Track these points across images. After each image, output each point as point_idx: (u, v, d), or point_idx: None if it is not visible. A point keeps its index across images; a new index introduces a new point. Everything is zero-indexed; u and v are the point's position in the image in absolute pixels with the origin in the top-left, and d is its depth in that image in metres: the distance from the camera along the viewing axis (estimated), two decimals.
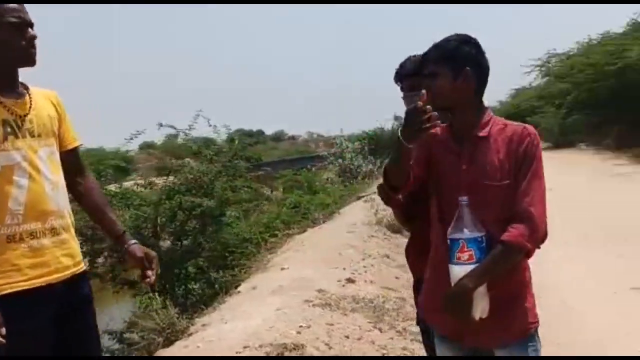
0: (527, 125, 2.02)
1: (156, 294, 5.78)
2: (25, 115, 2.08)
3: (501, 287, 1.92)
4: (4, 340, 1.82)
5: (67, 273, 2.13)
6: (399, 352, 4.02)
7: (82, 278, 2.27)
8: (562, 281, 5.73)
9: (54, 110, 2.23)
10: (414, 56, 2.60)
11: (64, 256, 2.14)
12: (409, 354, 4.02)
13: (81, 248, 7.00)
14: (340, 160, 22.28)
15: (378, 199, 9.04)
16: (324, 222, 9.10)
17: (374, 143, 26.74)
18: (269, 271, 5.94)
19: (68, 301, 2.13)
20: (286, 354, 3.51)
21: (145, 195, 7.60)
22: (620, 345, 4.07)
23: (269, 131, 76.43)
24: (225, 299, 5.58)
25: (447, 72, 1.95)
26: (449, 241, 1.90)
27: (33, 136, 2.09)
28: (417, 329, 4.56)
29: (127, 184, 8.99)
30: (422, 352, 4.13)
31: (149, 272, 2.34)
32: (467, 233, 1.86)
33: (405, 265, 6.51)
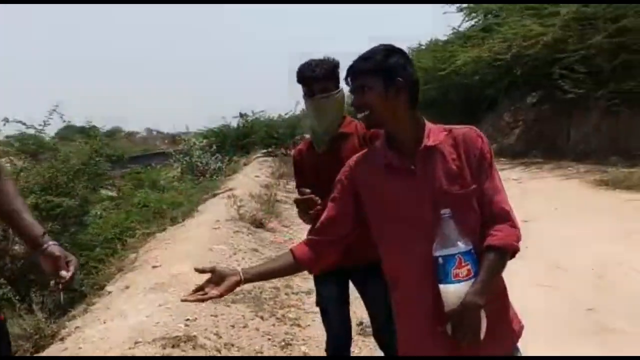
0: (469, 127, 1.97)
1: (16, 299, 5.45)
2: None
3: (490, 298, 1.79)
4: None
5: None
6: (282, 337, 4.29)
7: None
8: None
9: None
10: (315, 60, 2.84)
11: None
12: (291, 338, 4.30)
13: None
14: (187, 158, 21.96)
15: (240, 194, 9.18)
16: (183, 220, 9.06)
17: (220, 140, 26.76)
18: (139, 270, 5.86)
19: None
20: (181, 345, 3.60)
21: None
22: None
23: (103, 127, 72.38)
24: (94, 301, 5.43)
25: (379, 85, 1.85)
26: (440, 259, 1.74)
27: None
28: (294, 314, 4.89)
29: None
30: (302, 335, 4.46)
31: (63, 272, 2.14)
32: (461, 246, 1.73)
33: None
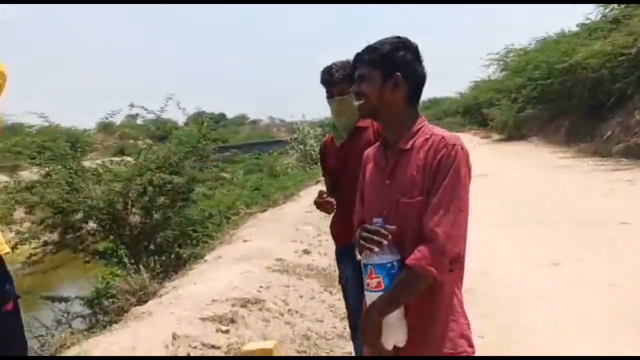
0: (447, 134, 1.82)
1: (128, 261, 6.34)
2: None
3: (413, 313, 1.77)
4: None
5: None
6: (344, 310, 4.66)
7: None
8: (492, 257, 6.50)
9: None
10: (336, 64, 3.03)
11: None
12: None
13: (52, 220, 7.43)
14: (301, 146, 22.74)
15: None
16: (284, 202, 9.69)
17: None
18: (233, 243, 6.51)
19: None
20: (248, 306, 4.11)
21: (118, 171, 8.06)
22: (534, 303, 4.84)
23: (230, 114, 76.71)
24: (192, 267, 6.14)
25: (377, 76, 1.84)
26: (362, 266, 1.78)
27: None
28: None
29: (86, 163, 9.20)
30: None
31: None
32: (375, 259, 1.72)
33: None
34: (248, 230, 7.22)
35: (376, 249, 1.71)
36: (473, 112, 38.36)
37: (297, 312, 4.37)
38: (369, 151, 2.05)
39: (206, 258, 6.21)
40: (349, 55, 2.56)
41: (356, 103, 1.92)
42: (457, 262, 1.76)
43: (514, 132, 27.33)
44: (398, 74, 1.82)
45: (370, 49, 1.88)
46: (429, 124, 1.90)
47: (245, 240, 6.33)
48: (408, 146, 1.82)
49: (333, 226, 3.30)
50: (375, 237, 1.72)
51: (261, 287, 4.66)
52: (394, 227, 1.73)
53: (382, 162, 1.89)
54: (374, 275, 1.73)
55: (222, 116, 64.76)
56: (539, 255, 6.33)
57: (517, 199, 10.27)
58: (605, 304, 4.70)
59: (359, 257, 1.81)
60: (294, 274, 5.17)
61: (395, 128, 1.88)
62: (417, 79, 1.88)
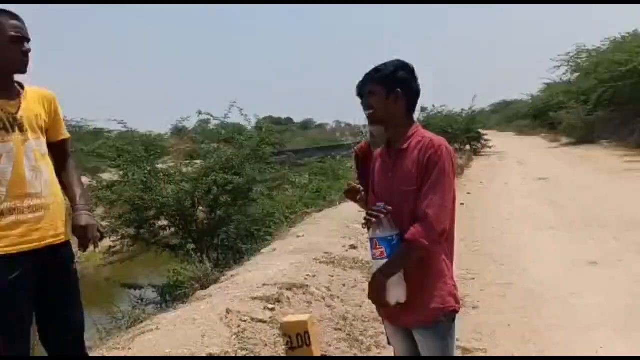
0: (435, 137, 2.26)
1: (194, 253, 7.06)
2: (15, 113, 2.45)
3: (411, 277, 2.22)
4: None
5: (42, 243, 2.46)
6: None
7: (63, 247, 2.57)
8: (536, 256, 6.78)
9: (42, 109, 2.59)
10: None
11: (40, 230, 2.45)
12: None
13: (129, 216, 8.26)
14: None
15: None
16: (339, 203, 10.20)
17: None
18: (287, 238, 7.08)
19: (47, 266, 2.48)
20: (294, 289, 4.65)
21: (186, 172, 8.85)
22: (563, 299, 5.13)
23: (298, 119, 78.16)
24: (250, 259, 6.75)
25: (382, 92, 2.26)
26: (369, 240, 2.25)
27: (22, 131, 2.44)
28: None
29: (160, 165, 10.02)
30: None
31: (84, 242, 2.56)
32: (378, 233, 2.17)
33: None
34: (303, 227, 7.77)
35: (374, 220, 2.19)
36: (543, 115, 37.47)
37: (338, 297, 4.86)
38: (377, 151, 2.51)
39: (262, 251, 6.81)
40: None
41: (366, 112, 2.35)
42: (444, 236, 2.21)
43: (584, 136, 26.55)
44: (398, 89, 2.27)
45: (376, 70, 2.33)
46: (422, 129, 2.35)
47: (298, 236, 6.88)
48: (405, 146, 2.28)
49: None
50: (376, 213, 2.21)
51: (308, 275, 5.17)
52: (390, 207, 2.21)
53: (386, 159, 2.37)
54: (378, 246, 2.19)
55: (289, 120, 66.17)
56: (580, 255, 6.55)
57: (571, 202, 10.38)
58: (636, 302, 4.91)
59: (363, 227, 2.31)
60: (340, 266, 5.67)
61: (396, 132, 2.32)
62: (413, 93, 2.33)
